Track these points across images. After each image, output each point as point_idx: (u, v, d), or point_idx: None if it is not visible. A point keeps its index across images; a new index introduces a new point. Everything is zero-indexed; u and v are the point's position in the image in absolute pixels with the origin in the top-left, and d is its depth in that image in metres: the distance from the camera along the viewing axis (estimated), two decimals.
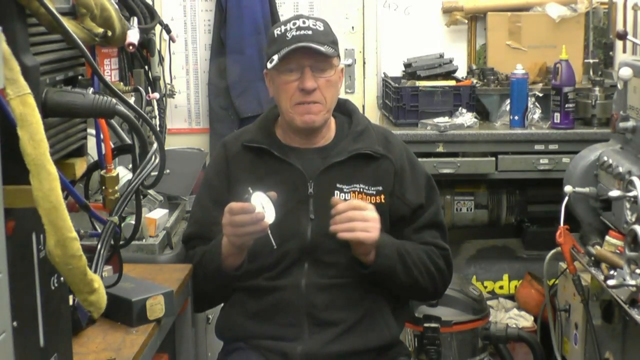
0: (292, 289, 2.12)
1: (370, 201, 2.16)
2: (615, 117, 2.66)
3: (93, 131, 1.52)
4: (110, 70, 2.49)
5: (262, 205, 1.99)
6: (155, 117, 2.67)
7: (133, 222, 1.69)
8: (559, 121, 3.50)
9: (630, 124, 2.56)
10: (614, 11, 3.91)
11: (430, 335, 2.96)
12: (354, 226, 2.02)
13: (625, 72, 2.53)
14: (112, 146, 1.57)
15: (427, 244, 2.21)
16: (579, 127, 3.54)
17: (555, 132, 3.50)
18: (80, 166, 1.36)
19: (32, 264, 1.18)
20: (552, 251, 2.96)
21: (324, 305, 2.13)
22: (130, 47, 1.67)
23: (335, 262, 2.11)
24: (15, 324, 1.08)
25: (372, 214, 2.05)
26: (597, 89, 3.55)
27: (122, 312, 1.78)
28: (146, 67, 2.74)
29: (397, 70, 3.99)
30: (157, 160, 1.59)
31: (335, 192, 2.15)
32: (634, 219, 2.33)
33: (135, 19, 1.97)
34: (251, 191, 1.98)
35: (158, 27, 2.86)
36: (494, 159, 3.52)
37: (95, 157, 1.54)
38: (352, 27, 4.08)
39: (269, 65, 2.11)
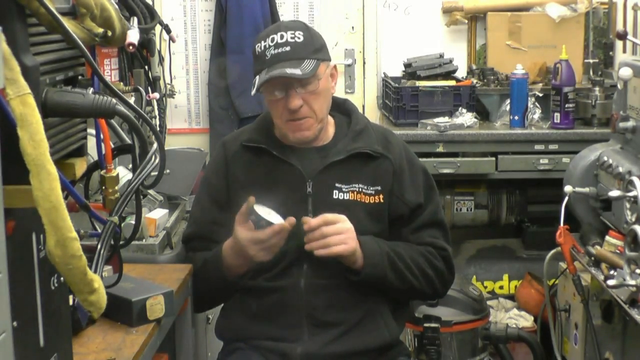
0: (291, 290, 2.12)
1: (369, 201, 2.15)
2: (615, 117, 2.66)
3: (93, 131, 1.52)
4: (110, 70, 2.49)
5: (269, 213, 2.00)
6: (155, 117, 2.67)
7: (133, 222, 1.69)
8: (559, 121, 3.50)
9: (630, 124, 2.56)
10: (614, 11, 3.91)
11: (430, 335, 2.96)
12: (328, 242, 2.03)
13: (625, 72, 2.53)
14: (112, 146, 1.57)
15: (426, 244, 2.20)
16: (579, 127, 3.54)
17: (555, 132, 3.50)
18: (80, 166, 1.36)
19: (32, 264, 1.18)
20: (552, 251, 2.96)
21: (323, 306, 2.13)
22: (130, 47, 1.67)
23: (335, 262, 2.11)
24: (15, 324, 1.08)
25: (345, 225, 2.06)
26: (597, 89, 3.55)
27: (122, 312, 1.78)
28: (146, 67, 2.74)
29: (397, 70, 3.99)
30: (157, 160, 1.59)
31: (334, 191, 2.15)
32: (634, 219, 2.33)
33: (135, 19, 1.97)
34: (255, 208, 1.98)
35: (158, 27, 2.86)
36: (494, 159, 3.52)
37: (95, 157, 1.54)
38: (352, 27, 4.08)
39: (252, 90, 2.10)
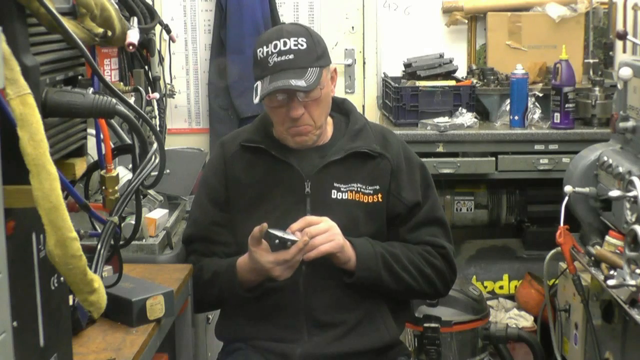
0: (290, 291, 2.12)
1: (368, 200, 2.15)
2: (615, 117, 2.66)
3: (93, 131, 1.52)
4: (110, 70, 2.49)
5: (283, 233, 2.00)
6: (155, 117, 2.67)
7: (133, 222, 1.69)
8: (559, 121, 3.50)
9: (630, 124, 2.56)
10: (614, 11, 3.91)
11: (430, 335, 2.96)
12: (314, 243, 2.02)
13: (625, 72, 2.53)
14: (112, 146, 1.57)
15: (424, 243, 2.19)
16: (579, 127, 3.55)
17: (555, 132, 3.50)
18: (80, 166, 1.36)
19: (32, 264, 1.18)
20: (552, 251, 2.96)
21: (322, 307, 2.13)
22: (130, 47, 1.67)
23: (330, 262, 2.10)
24: (15, 324, 1.08)
25: (328, 223, 2.05)
26: (597, 89, 3.56)
27: (122, 312, 1.78)
28: (146, 67, 2.74)
29: (397, 70, 3.99)
30: (157, 160, 1.59)
31: (333, 191, 2.14)
32: (634, 219, 2.33)
33: (135, 19, 1.97)
34: (271, 232, 1.98)
35: (158, 27, 2.86)
36: (494, 159, 3.52)
37: (95, 157, 1.54)
38: (352, 27, 4.09)
39: (254, 97, 2.09)
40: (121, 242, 1.62)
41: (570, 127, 3.50)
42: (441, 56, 3.89)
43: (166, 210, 2.43)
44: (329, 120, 2.24)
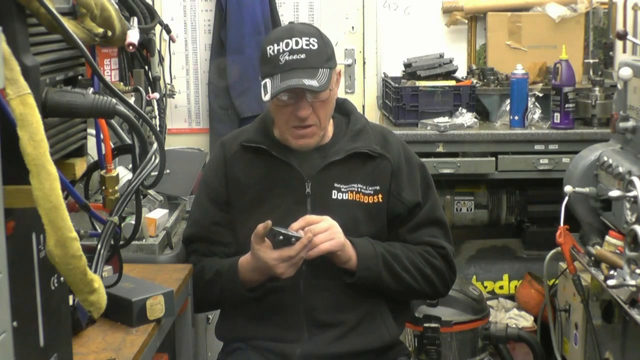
0: (290, 290, 2.12)
1: (368, 201, 2.15)
2: (615, 117, 2.66)
3: (93, 131, 1.52)
4: (110, 70, 2.49)
5: (286, 230, 2.00)
6: (155, 117, 2.67)
7: (133, 222, 1.69)
8: (559, 121, 3.50)
9: (630, 124, 2.56)
10: (614, 11, 3.91)
11: (430, 335, 2.96)
12: (314, 241, 2.02)
13: (625, 72, 2.53)
14: (112, 146, 1.57)
15: (424, 243, 2.20)
16: (579, 127, 3.55)
17: (555, 132, 3.50)
18: (80, 166, 1.36)
19: (32, 264, 1.18)
20: (552, 251, 2.96)
21: (322, 307, 2.13)
22: (130, 47, 1.67)
23: (331, 261, 2.11)
24: (15, 324, 1.08)
25: (328, 222, 2.05)
26: (597, 89, 3.56)
27: (122, 312, 1.78)
28: (146, 67, 2.74)
29: (397, 70, 3.99)
30: (157, 160, 1.59)
31: (333, 191, 2.14)
32: (634, 219, 2.33)
33: (135, 19, 1.96)
34: (275, 229, 1.98)
35: (158, 27, 2.86)
36: (494, 159, 3.52)
37: (95, 157, 1.54)
38: (352, 27, 4.09)
39: (262, 95, 2.07)
40: (121, 242, 1.62)
41: (570, 127, 3.50)
42: (441, 56, 3.89)
43: (166, 210, 2.43)
44: (330, 120, 2.24)
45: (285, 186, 2.15)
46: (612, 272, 2.29)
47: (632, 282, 2.13)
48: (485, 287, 3.81)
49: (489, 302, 3.43)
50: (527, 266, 3.77)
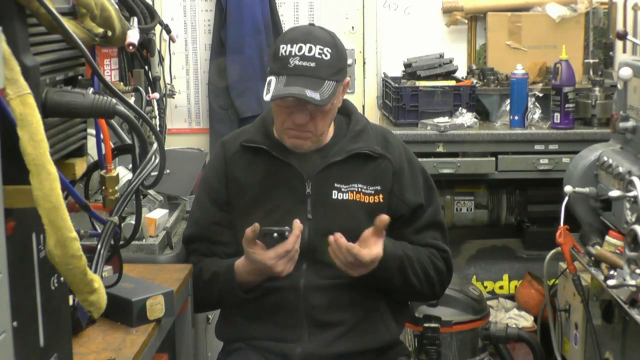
0: (290, 290, 2.12)
1: (369, 201, 2.15)
2: (615, 117, 2.66)
3: (93, 131, 1.52)
4: (110, 70, 2.49)
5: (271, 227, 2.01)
6: (155, 117, 2.67)
7: (133, 222, 1.69)
8: (559, 121, 3.50)
9: (630, 124, 2.56)
10: (614, 11, 3.91)
11: (430, 335, 2.96)
12: (346, 265, 2.03)
13: (625, 72, 2.53)
14: (112, 146, 1.57)
15: (428, 246, 2.21)
16: (579, 127, 3.55)
17: (555, 132, 3.50)
18: (80, 166, 1.36)
19: (32, 264, 1.18)
20: (552, 251, 2.96)
21: (323, 306, 2.13)
22: (130, 47, 1.67)
23: (334, 262, 2.11)
24: (15, 324, 1.08)
25: (371, 267, 2.04)
26: (597, 89, 3.56)
27: (122, 312, 1.78)
28: (146, 67, 2.74)
29: (397, 70, 3.99)
30: (157, 160, 1.59)
31: (333, 191, 2.15)
32: (634, 219, 2.33)
33: (135, 19, 1.96)
34: (265, 229, 1.98)
35: (158, 27, 2.86)
36: (494, 159, 3.52)
37: (95, 157, 1.54)
38: (352, 27, 4.08)
39: (264, 91, 2.04)
40: (121, 242, 1.62)
41: (570, 127, 3.50)
42: (441, 56, 3.89)
43: (166, 210, 2.43)
44: (329, 126, 2.23)
45: (286, 186, 2.15)
46: (612, 272, 2.29)
47: (632, 282, 2.13)
48: (485, 287, 3.81)
49: (489, 302, 3.43)
50: (527, 266, 3.77)
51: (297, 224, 2.00)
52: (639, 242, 2.14)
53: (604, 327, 2.64)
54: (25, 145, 1.04)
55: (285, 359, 2.13)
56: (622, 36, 2.88)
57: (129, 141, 1.65)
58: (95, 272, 1.41)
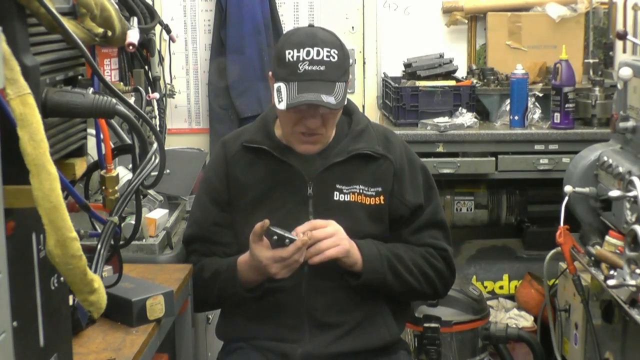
0: (292, 291, 2.12)
1: (370, 202, 2.15)
2: (615, 117, 2.66)
3: (93, 131, 1.52)
4: (110, 70, 2.49)
5: (283, 231, 1.99)
6: (155, 117, 2.67)
7: (133, 222, 1.69)
8: (559, 121, 3.50)
9: (630, 124, 2.56)
10: (614, 11, 3.91)
11: (430, 335, 2.96)
12: (320, 247, 2.02)
13: (625, 72, 2.53)
14: (112, 146, 1.57)
15: (426, 245, 2.20)
16: (579, 127, 3.55)
17: (555, 132, 3.50)
18: (80, 166, 1.36)
19: (32, 264, 1.18)
20: (552, 251, 2.96)
21: (324, 307, 2.13)
22: (130, 47, 1.67)
23: (335, 264, 2.10)
24: (15, 324, 1.08)
25: (334, 227, 2.05)
26: (597, 89, 3.56)
27: (122, 312, 1.78)
28: (146, 67, 2.74)
29: (397, 70, 3.99)
30: (157, 160, 1.59)
31: (335, 192, 2.14)
32: (634, 219, 2.33)
33: (135, 19, 1.96)
34: (272, 229, 1.97)
35: (158, 27, 2.86)
36: (494, 159, 3.52)
37: (95, 157, 1.54)
38: (352, 27, 4.09)
39: (277, 104, 2.02)
40: (121, 242, 1.62)
41: (570, 127, 3.51)
42: (441, 56, 3.89)
43: (166, 210, 2.43)
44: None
45: (287, 187, 2.15)
46: (612, 272, 2.29)
47: (632, 282, 2.13)
48: (485, 287, 3.81)
49: (489, 302, 3.43)
50: (527, 266, 3.77)
51: (302, 237, 1.99)
52: (639, 242, 2.14)
53: (604, 327, 2.64)
54: (25, 145, 1.04)
55: (286, 359, 2.13)
56: (622, 36, 2.88)
57: (129, 141, 1.65)
58: (95, 272, 1.41)
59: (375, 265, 2.09)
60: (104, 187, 1.53)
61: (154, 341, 1.80)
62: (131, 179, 1.56)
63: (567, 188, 2.71)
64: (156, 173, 1.60)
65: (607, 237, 2.52)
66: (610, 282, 2.19)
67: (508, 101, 3.59)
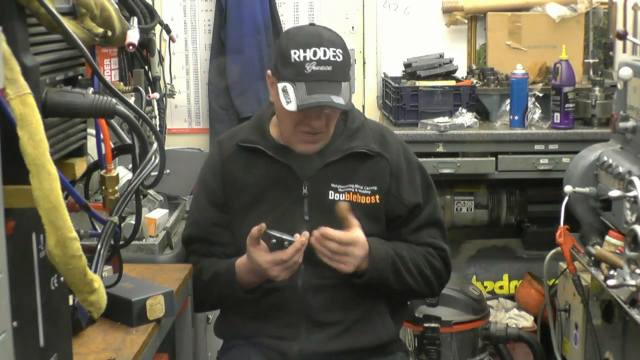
0: (289, 290, 2.12)
1: (365, 201, 2.14)
2: (615, 117, 2.66)
3: (93, 131, 1.52)
4: (110, 70, 2.49)
5: (281, 234, 2.00)
6: (155, 117, 2.67)
7: (133, 222, 1.69)
8: (559, 121, 3.50)
9: (630, 124, 2.56)
10: (614, 11, 3.91)
11: (430, 335, 2.96)
12: (332, 256, 2.03)
13: (625, 72, 2.53)
14: (112, 146, 1.57)
15: (425, 244, 2.20)
16: (579, 127, 3.55)
17: (555, 132, 3.50)
18: (80, 166, 1.36)
19: (32, 264, 1.18)
20: (552, 251, 2.96)
21: (320, 306, 2.13)
22: (130, 47, 1.67)
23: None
24: (15, 324, 1.08)
25: (357, 252, 2.04)
26: (597, 89, 3.56)
27: (122, 312, 1.78)
28: (146, 67, 2.74)
29: (397, 70, 3.99)
30: (157, 160, 1.59)
31: (330, 192, 2.14)
32: (634, 219, 2.33)
33: (135, 19, 1.96)
34: (269, 232, 1.98)
35: (158, 27, 2.86)
36: (494, 159, 3.52)
37: (95, 157, 1.54)
38: (352, 27, 4.09)
39: (284, 104, 2.00)
40: (121, 242, 1.62)
41: (570, 127, 3.51)
42: (441, 56, 3.89)
43: (166, 210, 2.43)
44: None
45: (282, 187, 2.14)
46: (612, 272, 2.29)
47: (632, 282, 2.13)
48: (485, 287, 3.81)
49: (489, 302, 3.43)
50: (527, 266, 3.77)
51: (300, 238, 1.99)
52: (639, 242, 2.14)
53: (604, 327, 2.64)
54: (25, 145, 1.04)
55: (284, 357, 2.13)
56: (622, 36, 2.88)
57: (129, 141, 1.66)
58: (95, 272, 1.41)
59: (379, 265, 2.09)
60: (104, 187, 1.53)
61: (154, 341, 1.80)
62: (131, 179, 1.56)
63: (567, 188, 2.71)
64: (156, 173, 1.60)
65: (607, 237, 2.52)
66: (610, 282, 2.19)
67: (508, 101, 3.59)
